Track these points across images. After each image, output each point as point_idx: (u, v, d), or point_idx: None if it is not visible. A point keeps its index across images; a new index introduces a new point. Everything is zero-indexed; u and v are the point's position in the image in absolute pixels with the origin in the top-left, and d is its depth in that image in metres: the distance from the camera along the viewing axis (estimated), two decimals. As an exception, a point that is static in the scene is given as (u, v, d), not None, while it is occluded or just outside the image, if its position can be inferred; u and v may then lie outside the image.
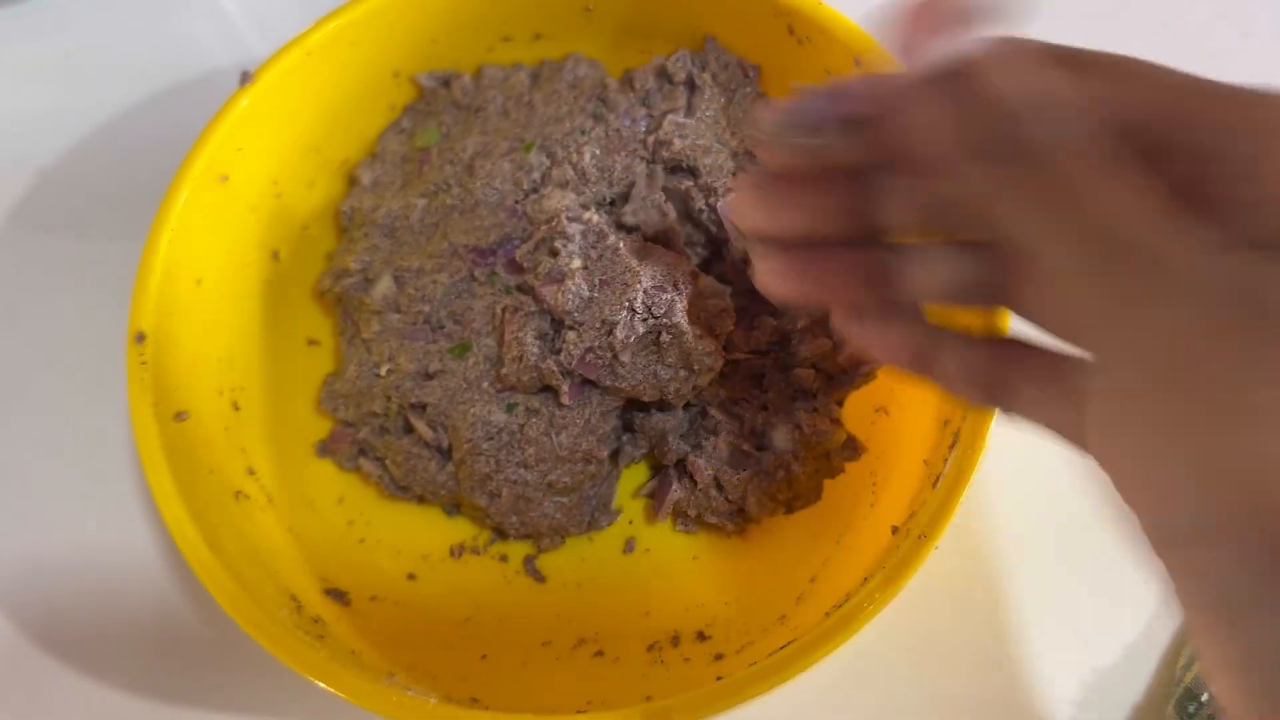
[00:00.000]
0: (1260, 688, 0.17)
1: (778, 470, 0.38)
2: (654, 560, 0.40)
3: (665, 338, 0.36)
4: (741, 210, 0.26)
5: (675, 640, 0.37)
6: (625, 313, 0.35)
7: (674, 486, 0.39)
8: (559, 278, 0.36)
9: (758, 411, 0.39)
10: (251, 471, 0.37)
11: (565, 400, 0.37)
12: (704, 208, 0.39)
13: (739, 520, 0.39)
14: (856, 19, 0.37)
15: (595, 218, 0.37)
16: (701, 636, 0.37)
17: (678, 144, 0.39)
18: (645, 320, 0.35)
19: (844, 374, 0.38)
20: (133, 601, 0.41)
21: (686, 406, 0.40)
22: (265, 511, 0.37)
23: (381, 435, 0.40)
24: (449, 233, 0.40)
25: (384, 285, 0.39)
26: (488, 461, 0.37)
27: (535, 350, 0.36)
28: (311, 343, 0.42)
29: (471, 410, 0.37)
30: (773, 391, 0.39)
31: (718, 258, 0.41)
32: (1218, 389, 0.17)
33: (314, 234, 0.42)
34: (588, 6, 0.41)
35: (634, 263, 0.36)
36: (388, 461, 0.39)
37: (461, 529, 0.41)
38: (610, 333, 0.35)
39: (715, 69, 0.41)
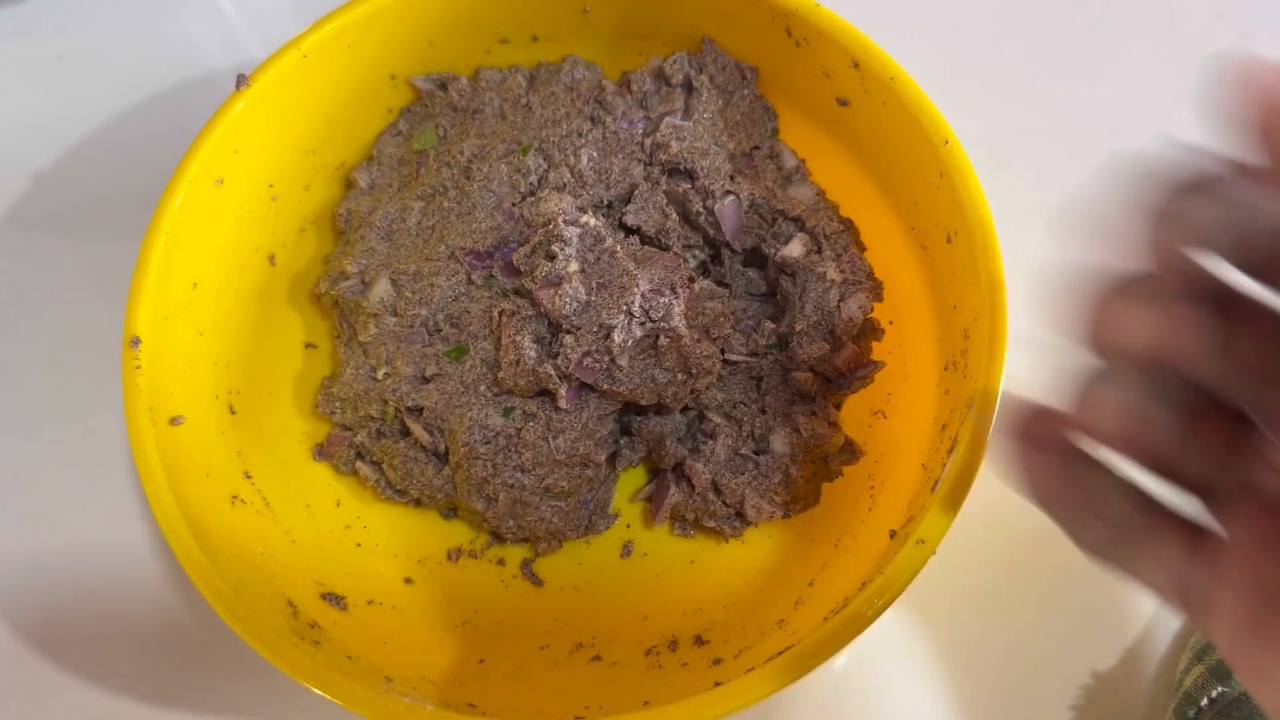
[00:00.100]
0: None
1: (776, 474, 0.38)
2: (651, 564, 0.40)
3: (663, 341, 0.35)
4: (1110, 317, 0.18)
5: (673, 645, 0.37)
6: (623, 316, 0.35)
7: (672, 490, 0.39)
8: (556, 281, 0.36)
9: (756, 415, 0.39)
10: (248, 475, 0.37)
11: (563, 404, 0.37)
12: (701, 210, 0.39)
13: (737, 524, 0.38)
14: (854, 21, 0.36)
15: (593, 221, 0.37)
16: (699, 641, 0.37)
17: (675, 146, 0.39)
18: (643, 324, 0.35)
19: (842, 377, 0.38)
20: (130, 603, 0.41)
21: (684, 410, 0.40)
22: (262, 515, 0.37)
23: (378, 439, 0.39)
24: (446, 236, 0.40)
25: (381, 288, 0.39)
26: (485, 465, 0.37)
27: (532, 354, 0.36)
28: (308, 346, 0.42)
29: (468, 414, 0.37)
30: (771, 395, 0.38)
31: (715, 261, 0.41)
32: None
33: (310, 237, 0.42)
34: (585, 8, 0.41)
35: (631, 266, 0.36)
36: (384, 465, 0.39)
37: (458, 533, 0.40)
38: (608, 336, 0.35)
39: (713, 71, 0.41)
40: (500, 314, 0.38)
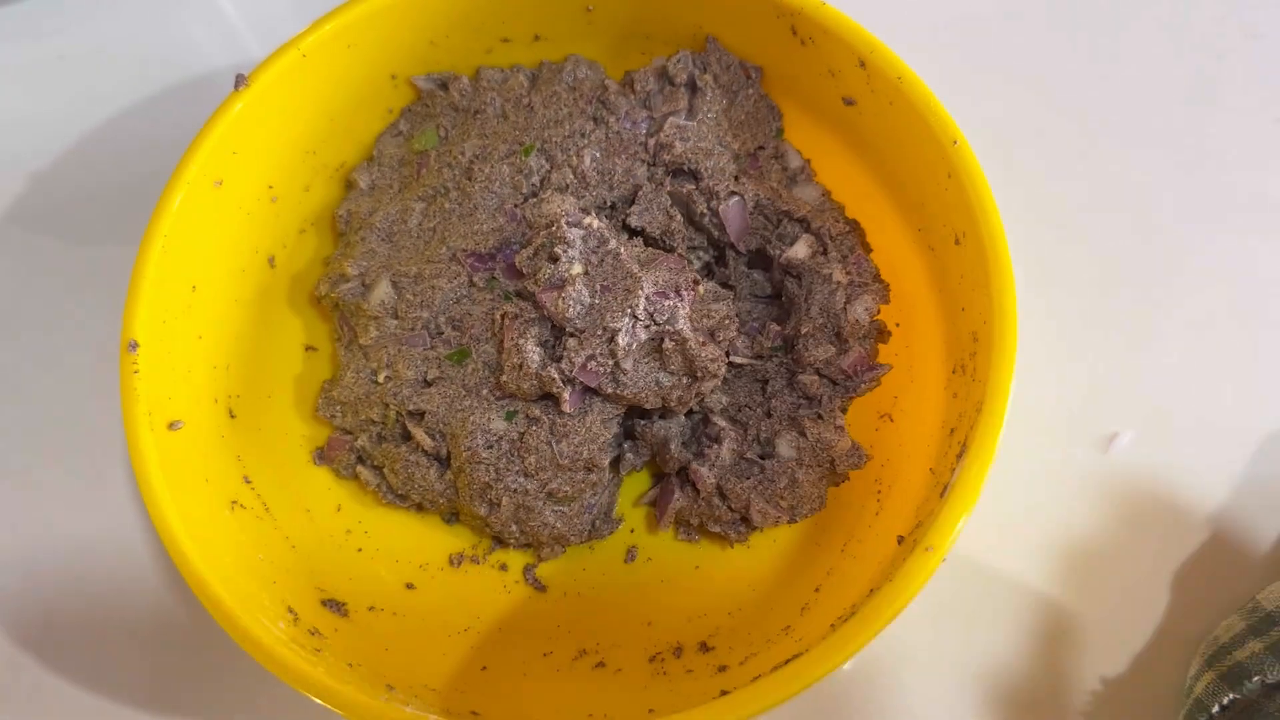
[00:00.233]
0: None
1: (781, 478, 0.37)
2: (656, 569, 0.39)
3: (668, 344, 0.35)
4: None
5: (678, 651, 0.36)
6: (627, 319, 0.35)
7: (676, 495, 0.39)
8: (559, 284, 0.35)
9: (761, 419, 0.38)
10: (247, 480, 0.37)
11: (566, 408, 0.36)
12: (706, 211, 0.39)
13: (742, 529, 0.38)
14: (861, 19, 0.36)
15: (596, 222, 0.36)
16: (704, 647, 0.36)
17: (679, 147, 0.39)
18: (647, 327, 0.35)
19: (848, 380, 0.38)
20: (129, 607, 0.40)
21: (689, 414, 0.39)
22: (261, 520, 0.36)
23: (379, 443, 0.39)
24: (447, 237, 0.39)
25: (382, 290, 0.39)
26: (487, 470, 0.37)
27: (536, 357, 0.36)
28: (308, 349, 0.42)
29: (471, 418, 0.37)
30: (776, 398, 0.38)
31: (720, 263, 0.41)
32: None
33: (310, 239, 0.42)
34: (588, 7, 0.40)
35: (635, 268, 0.35)
36: (386, 469, 0.39)
37: (461, 538, 0.40)
38: (612, 340, 0.35)
39: (717, 70, 0.41)
40: (503, 317, 0.37)
